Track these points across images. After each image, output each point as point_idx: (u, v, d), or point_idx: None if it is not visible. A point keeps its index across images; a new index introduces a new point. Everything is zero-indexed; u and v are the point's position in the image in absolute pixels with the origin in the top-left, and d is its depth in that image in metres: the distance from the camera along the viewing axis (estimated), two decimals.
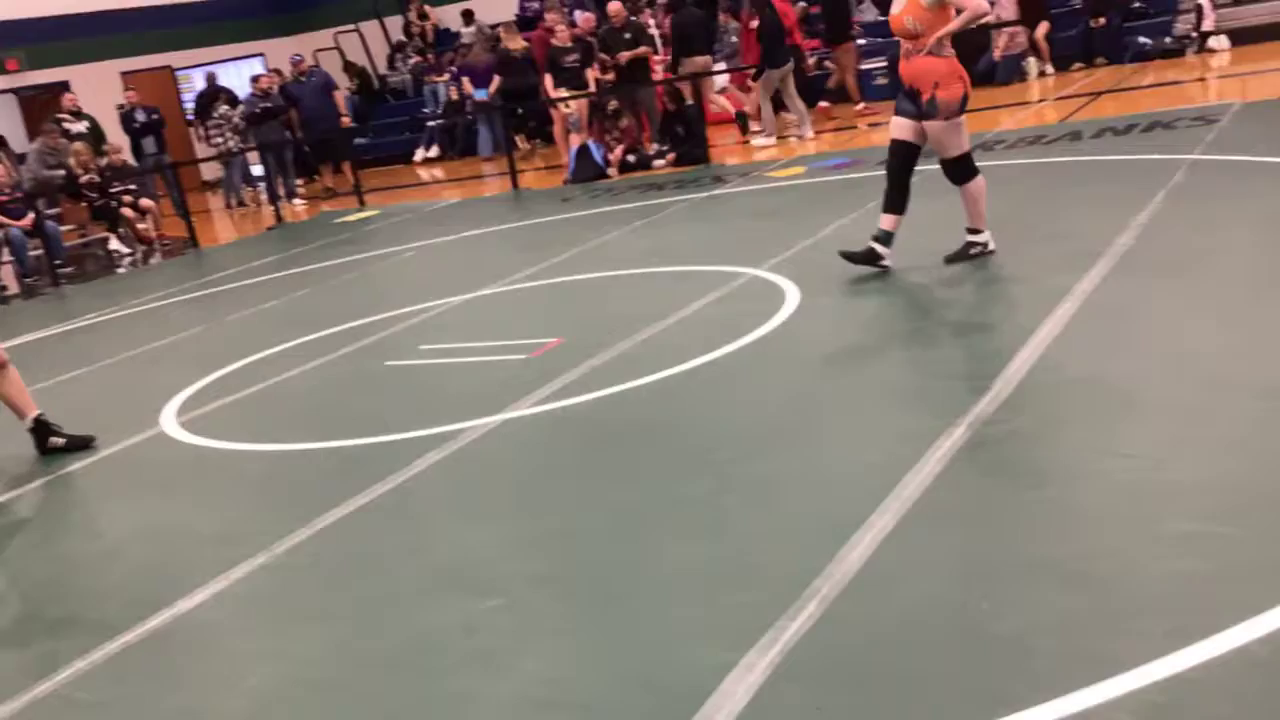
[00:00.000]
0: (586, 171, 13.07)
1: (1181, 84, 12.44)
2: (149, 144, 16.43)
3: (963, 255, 6.42)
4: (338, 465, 4.96)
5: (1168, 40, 14.36)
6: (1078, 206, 7.49)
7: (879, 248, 6.44)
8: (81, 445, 5.70)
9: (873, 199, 8.64)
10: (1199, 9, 14.16)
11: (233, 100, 17.47)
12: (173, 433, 5.80)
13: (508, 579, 3.59)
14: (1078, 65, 14.73)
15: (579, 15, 15.23)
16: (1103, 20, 14.66)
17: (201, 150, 18.54)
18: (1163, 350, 4.59)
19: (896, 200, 6.42)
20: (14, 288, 13.12)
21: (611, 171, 13.07)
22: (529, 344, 6.26)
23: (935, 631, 2.91)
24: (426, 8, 21.42)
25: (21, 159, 16.16)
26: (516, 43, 15.42)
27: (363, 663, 3.25)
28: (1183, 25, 14.39)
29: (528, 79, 15.21)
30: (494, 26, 17.88)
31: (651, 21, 15.88)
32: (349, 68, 21.09)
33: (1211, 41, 14.07)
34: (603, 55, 13.93)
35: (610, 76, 13.96)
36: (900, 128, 6.38)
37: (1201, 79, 12.66)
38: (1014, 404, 4.25)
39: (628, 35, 13.96)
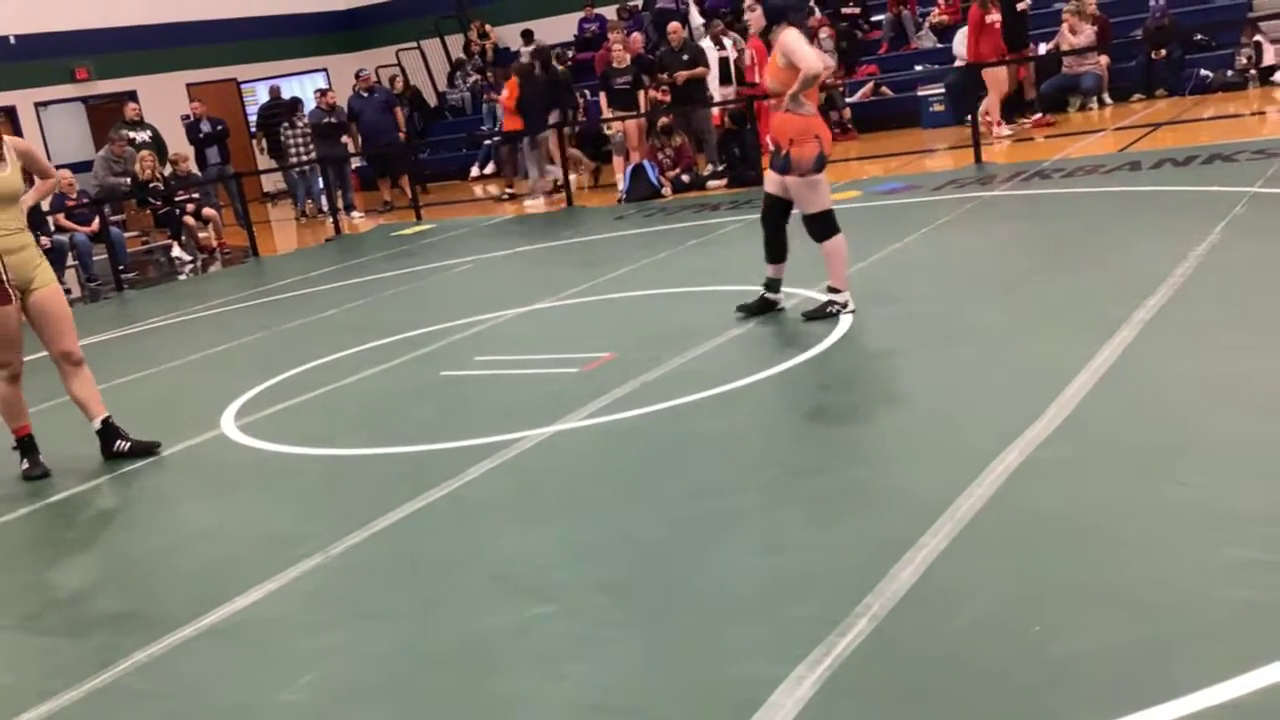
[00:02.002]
0: (641, 190, 13.15)
1: (1242, 117, 12.33)
2: (213, 154, 16.71)
3: (820, 313, 6.42)
4: (393, 470, 5.04)
5: (1229, 74, 14.23)
6: (1136, 236, 7.45)
7: (769, 295, 6.64)
8: (145, 451, 5.77)
9: (927, 224, 8.67)
10: (1258, 45, 14.05)
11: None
12: (232, 435, 5.91)
13: (561, 585, 3.64)
14: (1137, 96, 14.64)
15: (633, 37, 15.37)
16: (1164, 52, 14.57)
17: (264, 162, 18.81)
18: (1221, 380, 4.56)
19: (775, 250, 6.59)
20: (77, 291, 13.41)
21: (666, 191, 13.14)
22: (582, 358, 6.31)
23: (985, 652, 2.91)
24: (488, 27, 21.67)
25: (88, 166, 16.51)
26: None
27: (416, 663, 3.30)
28: (1243, 59, 14.27)
29: None
30: (554, 47, 18.05)
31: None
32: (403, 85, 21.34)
33: (1277, 76, 13.94)
34: (660, 75, 14.04)
35: (666, 97, 14.06)
36: (770, 181, 6.57)
37: (1262, 113, 12.53)
38: (1068, 430, 4.24)
39: (685, 56, 14.05)
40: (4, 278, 5.46)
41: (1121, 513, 3.56)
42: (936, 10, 17.24)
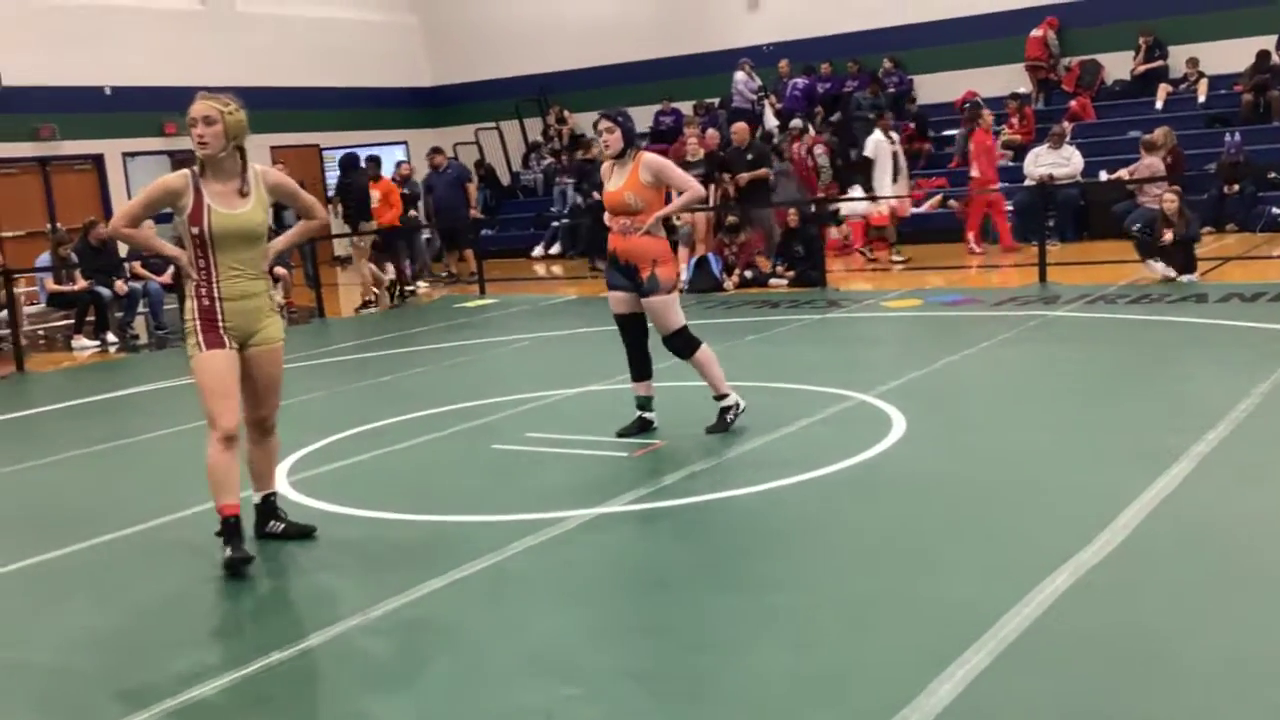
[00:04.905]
0: (703, 283, 13.26)
1: None
2: (289, 216, 17.07)
3: (721, 425, 6.44)
4: (436, 539, 5.05)
5: None
6: (1198, 368, 7.37)
7: (644, 414, 6.62)
8: (300, 535, 5.13)
9: (987, 339, 8.65)
10: None
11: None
12: (282, 491, 5.95)
13: (592, 669, 3.61)
14: (1207, 229, 14.57)
15: (709, 133, 15.59)
16: (1236, 188, 14.54)
17: (338, 226, 19.15)
18: (1279, 519, 4.48)
19: (640, 368, 6.63)
20: (145, 338, 13.68)
21: (728, 285, 13.23)
22: (632, 443, 6.34)
23: None
24: (566, 113, 22.13)
25: (168, 218, 16.87)
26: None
27: None
28: None
29: None
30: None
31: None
32: (479, 164, 21.73)
33: None
34: (724, 174, 14.21)
35: (731, 194, 14.22)
36: (618, 302, 6.55)
37: None
38: (1120, 556, 4.18)
39: (750, 156, 14.24)
40: (220, 324, 4.94)
41: (1167, 642, 3.50)
42: (1008, 129, 17.35)
